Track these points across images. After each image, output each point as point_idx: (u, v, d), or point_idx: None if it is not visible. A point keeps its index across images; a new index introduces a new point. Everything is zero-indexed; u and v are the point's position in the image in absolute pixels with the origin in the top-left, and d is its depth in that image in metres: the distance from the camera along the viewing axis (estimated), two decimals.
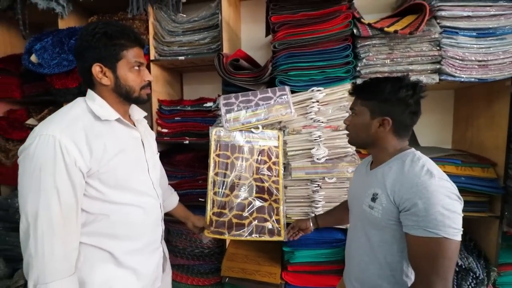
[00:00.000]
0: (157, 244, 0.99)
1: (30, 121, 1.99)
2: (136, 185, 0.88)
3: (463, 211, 1.33)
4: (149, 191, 0.94)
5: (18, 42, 2.11)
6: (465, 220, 1.42)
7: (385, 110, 0.84)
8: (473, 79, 1.19)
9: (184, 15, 1.63)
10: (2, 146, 1.98)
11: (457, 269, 1.29)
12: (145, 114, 1.04)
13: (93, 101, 0.84)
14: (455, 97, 1.68)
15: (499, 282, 1.35)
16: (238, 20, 1.88)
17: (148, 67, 1.64)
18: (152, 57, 1.65)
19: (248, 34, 1.92)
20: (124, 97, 0.88)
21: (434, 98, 1.67)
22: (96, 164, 0.78)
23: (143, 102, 0.92)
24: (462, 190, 1.28)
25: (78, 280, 0.78)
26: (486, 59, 1.17)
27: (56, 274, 0.72)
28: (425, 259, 0.73)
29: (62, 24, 1.78)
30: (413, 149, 0.87)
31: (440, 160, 1.35)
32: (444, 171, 1.29)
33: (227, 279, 1.48)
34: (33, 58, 1.64)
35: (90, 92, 0.87)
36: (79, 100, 0.86)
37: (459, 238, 0.71)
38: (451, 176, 1.27)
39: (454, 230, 0.70)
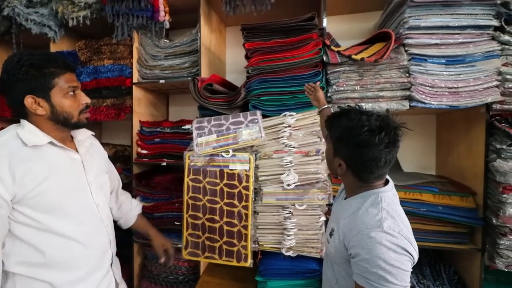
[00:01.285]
0: (105, 270, 0.95)
1: None
2: (73, 210, 0.86)
3: (443, 242, 1.29)
4: (92, 215, 0.91)
5: None
6: (447, 251, 1.38)
7: (341, 152, 0.78)
8: (444, 106, 1.17)
9: (167, 41, 1.69)
10: None
11: None
12: (90, 133, 1.03)
13: (22, 128, 0.83)
14: (437, 122, 1.65)
15: None
16: (222, 45, 1.93)
17: (131, 90, 1.68)
18: (135, 80, 1.69)
19: (232, 58, 1.97)
20: (62, 123, 0.86)
21: (416, 122, 1.65)
22: (21, 190, 0.76)
23: (83, 127, 0.92)
24: (439, 220, 1.25)
25: None
26: (456, 86, 1.16)
27: None
28: None
29: (54, 48, 1.86)
30: (381, 189, 0.79)
31: (417, 188, 1.30)
32: (421, 199, 1.28)
33: None
34: None
35: (22, 120, 0.85)
36: (10, 127, 0.85)
37: None
38: (427, 205, 1.25)
39: (396, 286, 0.66)
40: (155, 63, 1.67)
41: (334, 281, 0.87)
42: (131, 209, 1.23)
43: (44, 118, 0.84)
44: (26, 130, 0.83)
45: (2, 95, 0.84)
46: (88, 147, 0.99)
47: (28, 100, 0.81)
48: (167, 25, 1.64)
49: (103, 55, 1.72)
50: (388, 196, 0.78)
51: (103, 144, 2.05)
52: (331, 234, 0.85)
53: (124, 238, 1.55)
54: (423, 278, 1.32)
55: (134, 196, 1.55)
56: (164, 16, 1.61)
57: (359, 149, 0.73)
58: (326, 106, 1.12)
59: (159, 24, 1.63)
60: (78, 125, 0.90)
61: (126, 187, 1.73)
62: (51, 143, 0.85)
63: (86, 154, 0.96)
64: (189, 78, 1.55)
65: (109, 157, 1.80)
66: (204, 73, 1.57)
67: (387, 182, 0.83)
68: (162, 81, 1.63)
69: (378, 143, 0.71)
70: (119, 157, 1.85)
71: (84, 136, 0.99)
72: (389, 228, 0.69)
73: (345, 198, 0.87)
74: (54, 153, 0.86)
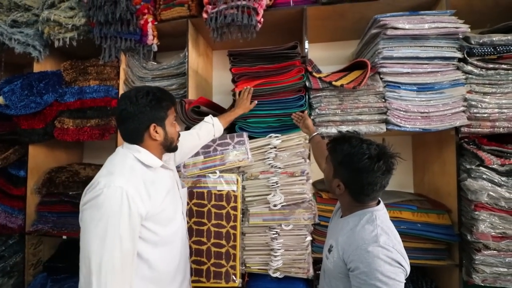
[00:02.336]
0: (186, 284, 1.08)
1: None
2: (177, 222, 1.02)
3: (423, 258, 1.33)
4: (182, 226, 1.06)
5: None
6: (427, 268, 1.43)
7: (342, 175, 0.85)
8: (417, 129, 1.26)
9: (155, 63, 1.72)
10: None
11: None
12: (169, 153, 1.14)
13: (139, 152, 0.94)
14: (412, 143, 1.76)
15: None
16: (209, 67, 1.99)
17: None
18: None
19: (219, 80, 2.03)
20: (167, 148, 1.01)
21: (394, 143, 1.72)
22: (152, 207, 0.88)
23: (175, 151, 1.07)
24: (419, 237, 1.30)
25: None
26: (427, 110, 1.25)
27: None
28: None
29: (38, 67, 1.84)
30: (375, 207, 0.86)
31: (397, 206, 1.36)
32: (401, 217, 1.33)
33: None
34: (0, 100, 1.66)
35: (131, 145, 0.95)
36: (123, 151, 0.95)
37: None
38: (407, 222, 1.31)
39: None
40: (142, 85, 1.69)
41: None
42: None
43: (158, 143, 0.98)
44: (143, 154, 0.94)
45: (119, 123, 0.96)
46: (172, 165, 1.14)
47: (151, 128, 0.94)
48: (155, 48, 1.69)
49: (89, 76, 1.72)
50: (381, 214, 0.85)
51: (85, 165, 2.03)
52: (329, 250, 0.89)
53: None
54: None
55: None
56: (152, 40, 1.65)
57: (358, 174, 0.80)
58: (316, 133, 1.26)
59: (147, 47, 1.67)
60: (175, 149, 1.05)
61: None
62: (162, 166, 1.00)
63: (174, 171, 1.12)
64: (176, 100, 1.57)
65: (92, 178, 1.78)
66: (192, 95, 1.60)
67: (378, 202, 0.90)
68: None
69: (376, 170, 0.78)
70: None
71: (167, 157, 1.10)
72: (385, 243, 0.75)
73: (341, 217, 0.93)
74: (164, 173, 1.01)
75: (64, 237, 1.70)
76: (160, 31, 1.67)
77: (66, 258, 1.80)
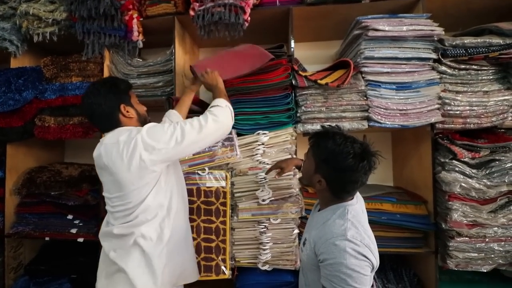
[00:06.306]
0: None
1: None
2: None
3: (402, 247, 1.41)
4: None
5: None
6: (407, 255, 1.52)
7: (324, 171, 0.86)
8: (396, 126, 1.33)
9: (140, 59, 1.70)
10: None
11: None
12: None
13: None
14: (392, 139, 1.85)
15: None
16: None
17: None
18: None
19: None
20: (142, 123, 1.09)
21: (373, 139, 1.80)
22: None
23: None
24: (398, 227, 1.38)
25: None
26: (405, 108, 1.33)
27: None
28: None
29: (15, 63, 1.77)
30: (349, 202, 0.89)
31: (378, 198, 1.44)
32: (381, 209, 1.40)
33: None
34: None
35: (122, 128, 1.05)
36: (128, 129, 1.03)
37: None
38: (387, 213, 1.38)
39: None
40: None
41: (307, 286, 0.94)
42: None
43: (135, 120, 1.09)
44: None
45: (93, 117, 1.07)
46: None
47: (122, 108, 1.05)
48: (141, 45, 1.66)
49: (71, 72, 1.68)
50: (354, 208, 0.88)
51: (67, 164, 1.97)
52: (304, 243, 0.93)
53: None
54: (387, 282, 1.43)
55: (102, 218, 1.49)
56: (137, 36, 1.62)
57: (342, 172, 0.82)
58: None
59: (133, 43, 1.64)
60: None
61: (94, 209, 1.67)
62: None
63: None
64: (163, 97, 1.57)
65: (75, 177, 1.74)
66: (179, 93, 1.60)
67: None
68: None
69: (360, 169, 0.80)
70: (86, 177, 1.76)
71: None
72: (352, 237, 0.79)
73: (319, 210, 0.96)
74: None
75: (47, 238, 1.65)
76: (146, 28, 1.65)
77: (48, 260, 1.75)
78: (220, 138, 1.19)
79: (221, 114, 1.09)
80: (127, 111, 1.06)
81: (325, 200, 0.92)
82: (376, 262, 0.81)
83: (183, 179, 1.20)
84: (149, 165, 0.96)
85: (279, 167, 1.20)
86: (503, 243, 1.28)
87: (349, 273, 0.75)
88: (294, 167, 1.21)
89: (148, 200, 0.99)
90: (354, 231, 0.80)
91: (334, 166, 0.83)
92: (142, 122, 1.11)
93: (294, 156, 1.36)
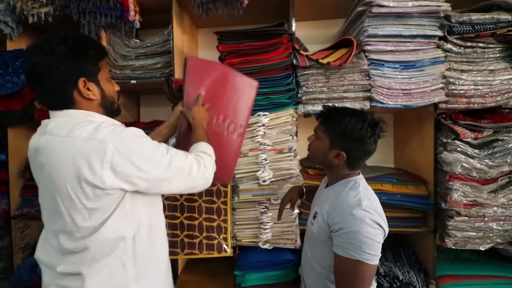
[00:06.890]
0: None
1: None
2: None
3: (401, 227, 1.43)
4: None
5: None
6: (405, 235, 1.55)
7: (342, 144, 0.90)
8: (399, 106, 1.31)
9: (138, 40, 1.67)
10: None
11: (398, 284, 1.35)
12: None
13: (92, 117, 0.76)
14: (393, 120, 1.83)
15: None
16: (194, 46, 1.94)
17: None
18: None
19: None
20: (108, 110, 0.81)
21: None
22: None
23: (118, 115, 0.86)
24: (398, 207, 1.39)
25: None
26: (409, 88, 1.31)
27: None
28: (341, 276, 0.81)
29: (11, 45, 1.74)
30: (358, 176, 0.95)
31: (379, 179, 1.44)
32: (382, 189, 1.41)
33: None
34: None
35: (63, 111, 0.75)
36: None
37: (374, 262, 0.79)
38: (388, 194, 1.39)
39: (369, 255, 0.78)
40: (126, 63, 1.64)
41: (312, 257, 0.97)
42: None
43: (96, 104, 0.78)
44: (97, 117, 0.77)
45: (34, 83, 0.74)
46: None
47: (80, 83, 0.73)
48: (138, 25, 1.62)
49: None
50: (363, 182, 0.93)
51: None
52: (314, 217, 0.96)
53: None
54: (386, 261, 1.46)
55: None
56: (134, 16, 1.58)
57: (360, 142, 0.87)
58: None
59: (129, 23, 1.60)
60: (118, 112, 0.85)
61: None
62: None
63: None
64: (162, 79, 1.55)
65: None
66: (178, 74, 1.57)
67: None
68: (133, 81, 1.61)
69: (376, 135, 0.88)
70: None
71: None
72: (367, 206, 0.82)
73: (326, 187, 1.00)
74: None
75: None
76: (143, 7, 1.60)
77: None
78: (188, 191, 0.89)
79: (210, 169, 0.88)
80: (88, 89, 0.75)
81: (336, 175, 0.96)
82: (387, 229, 0.85)
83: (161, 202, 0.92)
84: (108, 186, 0.69)
85: (288, 201, 1.19)
86: (502, 222, 1.29)
87: (365, 241, 0.78)
88: (297, 192, 1.21)
89: (104, 230, 0.72)
90: (368, 201, 0.84)
91: (353, 136, 0.87)
92: (107, 107, 0.81)
93: (295, 138, 1.36)
